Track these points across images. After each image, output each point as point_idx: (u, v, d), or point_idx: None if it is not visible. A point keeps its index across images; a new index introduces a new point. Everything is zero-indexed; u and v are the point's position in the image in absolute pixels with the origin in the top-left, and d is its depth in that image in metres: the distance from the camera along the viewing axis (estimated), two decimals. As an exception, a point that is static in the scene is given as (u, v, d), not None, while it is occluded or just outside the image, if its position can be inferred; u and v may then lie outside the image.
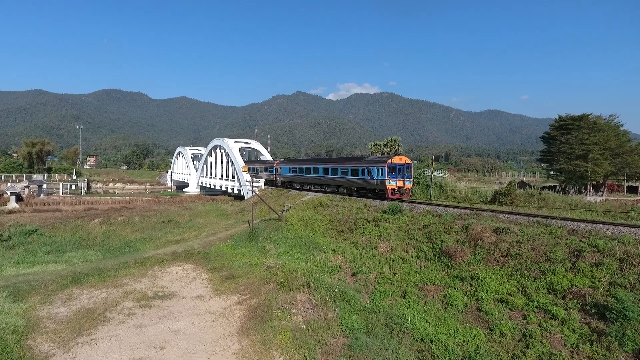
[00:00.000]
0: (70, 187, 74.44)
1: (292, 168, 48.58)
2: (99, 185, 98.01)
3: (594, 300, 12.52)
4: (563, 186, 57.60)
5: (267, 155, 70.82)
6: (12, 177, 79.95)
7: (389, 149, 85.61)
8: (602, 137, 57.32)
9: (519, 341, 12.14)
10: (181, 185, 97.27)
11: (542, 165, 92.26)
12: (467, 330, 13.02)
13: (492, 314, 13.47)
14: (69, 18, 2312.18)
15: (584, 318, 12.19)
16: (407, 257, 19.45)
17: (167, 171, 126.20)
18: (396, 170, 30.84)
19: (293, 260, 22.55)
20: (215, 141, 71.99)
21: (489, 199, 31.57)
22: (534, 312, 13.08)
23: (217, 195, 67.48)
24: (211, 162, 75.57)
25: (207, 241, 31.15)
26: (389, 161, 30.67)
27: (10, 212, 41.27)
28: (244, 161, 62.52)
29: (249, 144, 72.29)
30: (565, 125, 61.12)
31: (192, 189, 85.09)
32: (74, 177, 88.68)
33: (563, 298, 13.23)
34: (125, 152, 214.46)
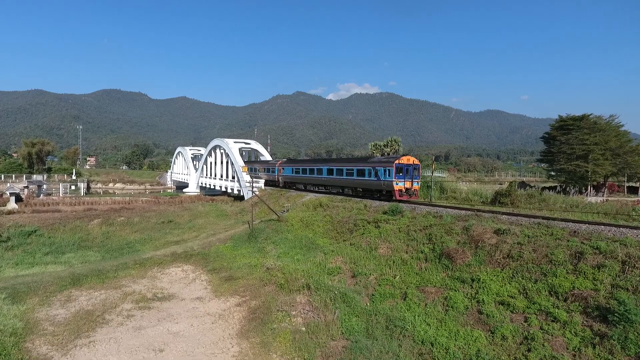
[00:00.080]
0: (70, 187, 74.37)
1: (295, 168, 47.89)
2: (99, 185, 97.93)
3: (596, 302, 12.42)
4: (563, 187, 57.53)
5: (267, 156, 70.70)
6: (12, 177, 79.91)
7: (389, 149, 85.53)
8: (602, 137, 57.27)
9: (520, 344, 12.04)
10: (181, 186, 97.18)
11: (542, 165, 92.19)
12: (468, 333, 12.92)
13: (493, 317, 13.37)
14: (69, 18, 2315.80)
15: (586, 321, 12.09)
16: (407, 258, 19.36)
17: (167, 171, 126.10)
18: (404, 171, 30.17)
19: (293, 262, 22.45)
20: (215, 141, 71.90)
21: (489, 200, 31.49)
22: (536, 314, 12.98)
23: (217, 195, 67.40)
24: (211, 163, 75.48)
25: (207, 242, 31.05)
26: (397, 162, 29.94)
27: (10, 212, 41.18)
28: (244, 161, 62.41)
29: (249, 144, 72.19)
30: (566, 126, 61.07)
31: (192, 190, 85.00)
32: (73, 177, 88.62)
33: (565, 300, 13.13)
34: (125, 152, 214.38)
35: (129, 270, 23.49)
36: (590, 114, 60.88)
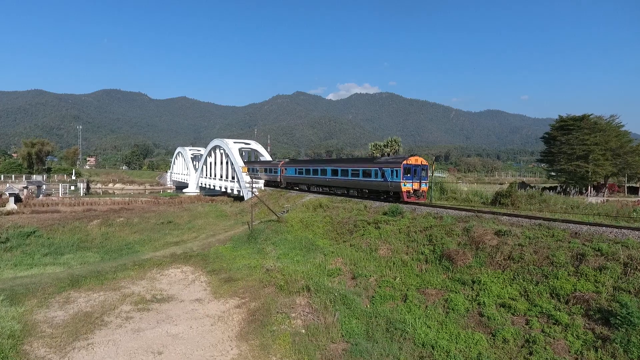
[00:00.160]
0: (70, 187, 74.27)
1: (299, 169, 47.11)
2: (99, 185, 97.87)
3: (597, 305, 12.33)
4: (564, 187, 57.43)
5: (266, 156, 70.60)
6: (12, 177, 79.82)
7: (389, 149, 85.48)
8: (603, 137, 57.16)
9: (521, 347, 11.95)
10: (181, 186, 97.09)
11: (543, 165, 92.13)
12: (469, 335, 12.83)
13: (494, 319, 13.28)
14: (69, 18, 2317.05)
15: (588, 324, 12.00)
16: (407, 260, 19.26)
17: (166, 172, 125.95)
18: (412, 172, 29.49)
19: (293, 263, 22.36)
20: (215, 142, 71.80)
21: (489, 200, 31.43)
22: (537, 317, 12.89)
23: (217, 195, 67.31)
24: (211, 163, 75.39)
25: (206, 243, 30.96)
26: (404, 162, 29.24)
27: (9, 213, 41.06)
28: (244, 162, 62.30)
29: (249, 144, 72.12)
30: (566, 126, 60.98)
31: (192, 190, 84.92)
32: (73, 177, 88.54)
33: (566, 303, 13.04)
34: (125, 152, 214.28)
35: (128, 272, 23.39)
36: (591, 114, 60.80)
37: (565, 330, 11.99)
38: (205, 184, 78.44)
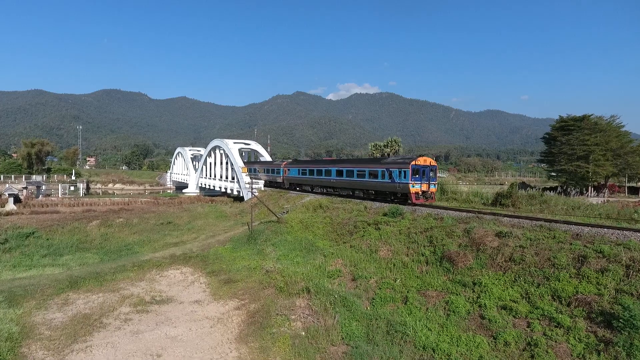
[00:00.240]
0: (69, 188, 74.17)
1: (302, 169, 46.11)
2: (99, 185, 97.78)
3: (600, 308, 12.24)
4: (564, 187, 57.35)
5: (266, 156, 70.53)
6: (11, 177, 79.73)
7: (389, 150, 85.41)
8: (603, 138, 57.20)
9: (523, 350, 11.85)
10: (181, 186, 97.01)
11: (543, 165, 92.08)
12: (470, 338, 12.73)
13: (495, 322, 13.18)
14: (69, 18, 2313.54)
15: (590, 326, 11.91)
16: (408, 261, 19.17)
17: (166, 172, 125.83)
18: (420, 173, 28.62)
19: (292, 264, 22.26)
20: (215, 142, 71.71)
21: (490, 201, 31.32)
22: (539, 319, 12.79)
23: (217, 196, 67.22)
24: (210, 163, 75.31)
25: (206, 244, 30.87)
26: (413, 162, 28.32)
27: (8, 213, 40.97)
28: (244, 162, 62.21)
29: (249, 144, 72.06)
30: (567, 126, 61.02)
31: (192, 190, 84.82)
32: (73, 177, 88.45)
33: (568, 305, 12.95)
34: (125, 153, 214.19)
35: (127, 273, 23.29)
36: (591, 115, 60.81)
37: (567, 333, 11.90)
38: (205, 185, 78.36)
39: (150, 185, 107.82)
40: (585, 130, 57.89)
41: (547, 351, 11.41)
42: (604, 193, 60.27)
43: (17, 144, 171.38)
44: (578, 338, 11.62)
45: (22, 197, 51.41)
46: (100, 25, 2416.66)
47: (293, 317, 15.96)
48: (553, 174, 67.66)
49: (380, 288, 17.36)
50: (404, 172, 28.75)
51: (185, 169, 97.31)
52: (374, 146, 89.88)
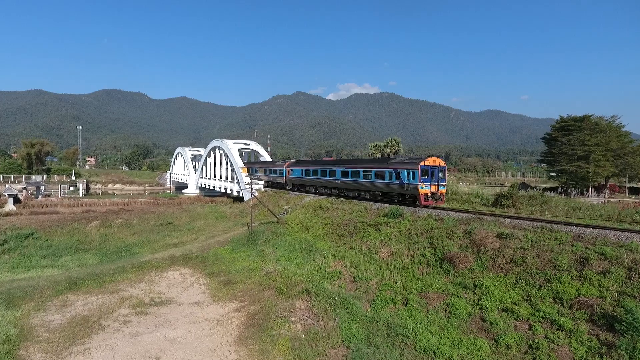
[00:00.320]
0: (69, 188, 74.04)
1: (306, 170, 45.11)
2: (98, 186, 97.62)
3: (602, 310, 12.14)
4: (564, 188, 57.27)
5: (266, 157, 70.41)
6: (11, 178, 79.60)
7: (389, 150, 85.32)
8: (603, 138, 57.08)
9: (525, 353, 11.75)
10: (180, 186, 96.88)
11: (543, 166, 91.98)
12: (472, 341, 12.63)
13: (497, 324, 13.08)
14: (69, 18, 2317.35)
15: (592, 329, 11.81)
16: (408, 262, 19.06)
17: (166, 172, 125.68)
18: (429, 174, 27.89)
19: (292, 265, 22.16)
20: (215, 142, 71.60)
21: (490, 202, 31.22)
22: (540, 322, 12.69)
23: (217, 196, 67.10)
24: (210, 163, 75.20)
25: (206, 245, 30.76)
26: (422, 163, 27.63)
27: (7, 214, 40.85)
28: (244, 162, 62.07)
29: (249, 145, 71.94)
30: (567, 126, 60.91)
31: (192, 190, 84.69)
32: (72, 178, 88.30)
33: (570, 308, 12.85)
34: (124, 153, 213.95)
35: (127, 274, 23.18)
36: (592, 115, 60.70)
37: (569, 336, 11.80)
38: (204, 185, 78.25)
39: (150, 186, 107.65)
40: (586, 131, 57.77)
41: (549, 354, 11.31)
42: (605, 193, 60.17)
43: (17, 144, 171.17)
44: (580, 341, 11.52)
45: (21, 198, 51.28)
46: (100, 25, 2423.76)
47: (293, 319, 15.86)
48: (553, 174, 67.57)
49: (380, 290, 17.26)
50: (413, 172, 28.02)
51: (185, 169, 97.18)
52: (374, 146, 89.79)
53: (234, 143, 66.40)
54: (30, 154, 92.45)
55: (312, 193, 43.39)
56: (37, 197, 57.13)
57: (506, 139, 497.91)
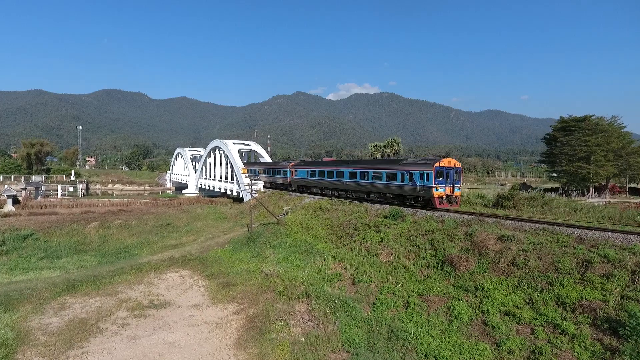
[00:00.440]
0: (68, 188, 73.89)
1: (311, 171, 43.60)
2: (98, 186, 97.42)
3: (605, 314, 12.00)
4: (565, 188, 57.12)
5: (266, 157, 70.25)
6: (11, 178, 79.47)
7: (389, 150, 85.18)
8: (604, 138, 56.94)
9: (527, 358, 11.62)
10: (180, 187, 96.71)
11: (543, 166, 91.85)
12: (473, 345, 12.49)
13: (498, 328, 12.94)
14: (69, 18, 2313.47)
15: (596, 334, 11.66)
16: (409, 265, 18.92)
17: (166, 172, 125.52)
18: (444, 175, 26.69)
19: (292, 267, 22.02)
20: (214, 142, 71.45)
21: (491, 203, 31.11)
22: (543, 326, 12.55)
23: (216, 197, 66.97)
24: (210, 164, 75.03)
25: (205, 246, 30.62)
26: (437, 164, 26.48)
27: (6, 215, 40.69)
28: (244, 163, 61.91)
29: (249, 145, 71.78)
30: (567, 127, 60.77)
31: (191, 191, 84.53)
32: (72, 178, 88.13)
33: (573, 312, 12.70)
34: (124, 153, 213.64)
35: (125, 276, 23.05)
36: (592, 115, 60.58)
37: (572, 341, 11.66)
38: (204, 185, 78.09)
39: (150, 186, 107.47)
40: (586, 131, 57.64)
41: (551, 359, 11.16)
42: (605, 194, 60.02)
43: (17, 144, 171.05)
44: (583, 346, 11.37)
45: (20, 198, 51.13)
46: (100, 25, 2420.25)
47: (292, 322, 15.72)
48: (554, 174, 67.42)
49: (381, 292, 17.12)
50: (427, 174, 26.83)
51: (185, 170, 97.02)
52: (374, 146, 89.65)
53: (234, 143, 66.26)
54: (30, 154, 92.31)
55: (317, 195, 42.12)
56: (36, 197, 56.97)
57: (506, 139, 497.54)
